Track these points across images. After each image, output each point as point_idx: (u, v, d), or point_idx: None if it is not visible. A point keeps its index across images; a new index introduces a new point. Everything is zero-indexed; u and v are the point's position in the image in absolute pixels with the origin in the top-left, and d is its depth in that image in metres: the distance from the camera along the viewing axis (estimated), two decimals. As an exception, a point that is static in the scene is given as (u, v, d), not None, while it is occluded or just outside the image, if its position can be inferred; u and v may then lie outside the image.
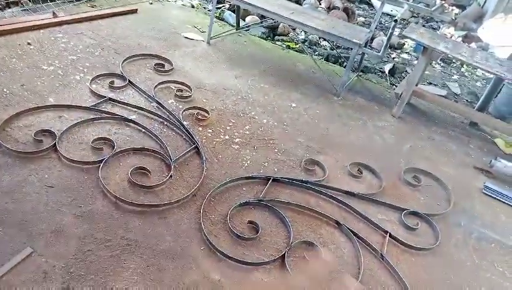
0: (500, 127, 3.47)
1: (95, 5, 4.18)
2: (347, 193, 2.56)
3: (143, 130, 2.66)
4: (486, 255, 2.41)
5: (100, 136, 2.50)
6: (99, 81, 3.04)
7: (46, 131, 2.43)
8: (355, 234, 2.27)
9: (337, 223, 2.32)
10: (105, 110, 2.73)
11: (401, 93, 3.51)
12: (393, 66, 4.57)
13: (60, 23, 3.59)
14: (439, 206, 2.69)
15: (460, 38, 5.99)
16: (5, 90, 2.69)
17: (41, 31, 3.46)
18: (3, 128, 2.38)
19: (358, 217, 2.43)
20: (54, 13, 3.63)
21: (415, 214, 2.54)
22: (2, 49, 3.09)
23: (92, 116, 2.65)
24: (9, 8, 3.60)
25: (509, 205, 2.82)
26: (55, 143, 2.35)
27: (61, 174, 2.22)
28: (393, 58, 5.05)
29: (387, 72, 4.49)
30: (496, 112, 4.06)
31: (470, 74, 5.11)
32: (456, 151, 3.34)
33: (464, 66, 5.17)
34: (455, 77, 4.95)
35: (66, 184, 2.17)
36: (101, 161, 2.31)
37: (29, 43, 3.24)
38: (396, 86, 4.23)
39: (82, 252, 1.88)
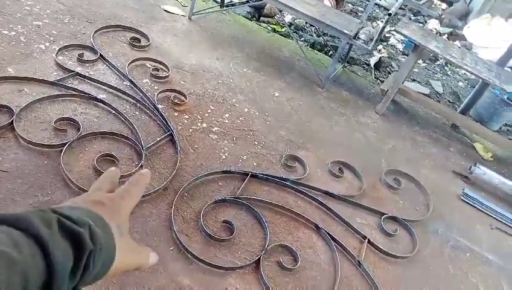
0: (481, 132, 3.45)
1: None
2: (327, 193, 2.46)
3: (113, 111, 2.43)
4: (461, 265, 2.38)
5: (64, 116, 2.25)
6: (66, 53, 2.76)
7: (3, 106, 2.16)
8: (333, 239, 2.17)
9: (316, 226, 2.22)
10: (72, 86, 2.47)
11: (387, 90, 3.41)
12: (379, 60, 4.46)
13: (26, -17, 3.22)
14: (418, 212, 2.64)
15: (446, 35, 5.96)
16: (-44, 55, 2.39)
17: (3, -11, 3.09)
18: (-48, 100, 2.11)
19: (337, 220, 2.34)
20: (19, -30, 3.25)
21: (393, 219, 2.48)
22: (-44, 7, 2.74)
23: (56, 93, 2.39)
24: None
25: (486, 213, 2.81)
26: (12, 121, 2.10)
27: (18, 157, 1.99)
28: (379, 50, 4.95)
29: (372, 65, 4.38)
30: (476, 115, 4.05)
31: (452, 73, 5.09)
32: (437, 154, 3.29)
33: (448, 64, 5.13)
34: (438, 75, 4.90)
35: (22, 169, 1.94)
36: (63, 145, 2.09)
37: (-12, 3, 2.89)
38: (381, 81, 4.13)
39: (36, 249, 1.68)
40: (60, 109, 2.31)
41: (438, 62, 5.19)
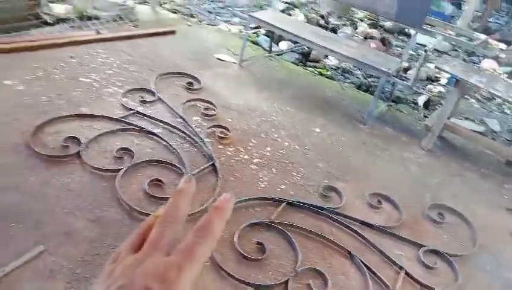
0: (539, 168, 3.25)
1: (137, 25, 4.42)
2: (363, 223, 2.47)
3: (165, 143, 2.73)
4: (511, 305, 2.22)
5: (123, 146, 2.59)
6: (130, 95, 3.17)
7: (74, 138, 2.55)
8: (367, 267, 2.17)
9: (349, 253, 2.24)
10: (132, 122, 2.84)
11: (432, 126, 3.39)
12: (428, 99, 4.44)
13: (102, 40, 3.82)
14: (463, 247, 2.53)
15: (506, 75, 5.75)
16: (43, 97, 2.87)
17: (84, 46, 3.69)
18: (36, 132, 2.53)
19: (372, 249, 2.33)
20: (97, 31, 3.87)
21: (435, 252, 2.40)
22: (47, 61, 3.32)
23: (118, 127, 2.76)
24: (59, 24, 3.88)
25: (543, 252, 2.61)
26: (79, 150, 2.46)
27: (82, 179, 2.31)
28: (430, 90, 4.92)
29: (421, 104, 4.36)
30: (537, 152, 3.81)
31: (512, 111, 4.87)
32: (488, 190, 3.15)
33: (506, 103, 4.93)
34: (496, 113, 4.72)
35: (84, 189, 2.25)
36: (119, 170, 2.39)
37: (71, 57, 3.46)
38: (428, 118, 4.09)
39: (90, 255, 1.92)
40: (120, 141, 2.66)
41: (495, 101, 5.01)
